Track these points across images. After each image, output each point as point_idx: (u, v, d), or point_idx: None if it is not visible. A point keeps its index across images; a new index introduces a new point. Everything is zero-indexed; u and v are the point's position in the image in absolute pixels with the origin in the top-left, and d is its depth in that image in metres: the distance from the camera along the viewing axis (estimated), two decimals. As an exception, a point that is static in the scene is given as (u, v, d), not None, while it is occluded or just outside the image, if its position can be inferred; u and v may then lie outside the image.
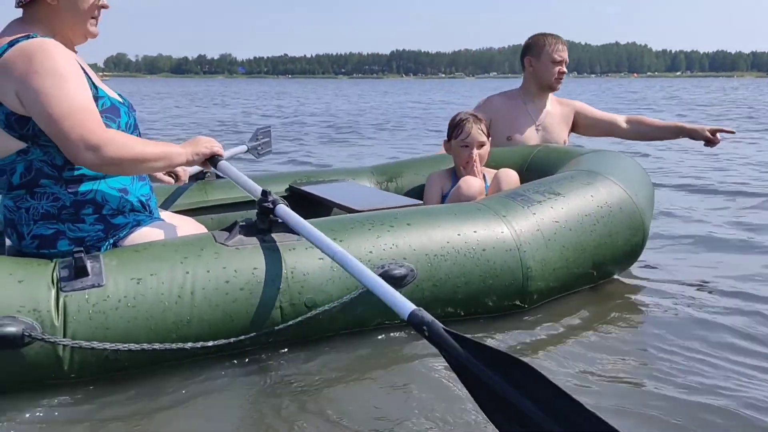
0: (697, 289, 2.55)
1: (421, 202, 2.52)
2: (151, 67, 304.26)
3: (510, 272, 2.11)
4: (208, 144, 2.15)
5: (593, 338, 2.08)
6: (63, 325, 1.64)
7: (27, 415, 1.59)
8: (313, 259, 1.91)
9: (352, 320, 1.94)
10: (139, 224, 2.10)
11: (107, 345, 1.64)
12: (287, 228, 1.95)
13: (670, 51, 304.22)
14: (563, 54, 3.50)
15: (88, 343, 1.63)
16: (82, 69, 1.98)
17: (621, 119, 3.61)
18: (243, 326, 1.79)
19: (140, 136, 2.17)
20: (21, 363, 1.60)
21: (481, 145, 2.90)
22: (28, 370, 1.62)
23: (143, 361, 1.73)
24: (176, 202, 2.83)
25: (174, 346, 1.70)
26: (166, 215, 2.48)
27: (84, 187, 2.00)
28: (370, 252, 1.96)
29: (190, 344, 1.71)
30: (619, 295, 2.47)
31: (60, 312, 1.65)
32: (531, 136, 3.49)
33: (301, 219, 1.91)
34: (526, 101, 3.55)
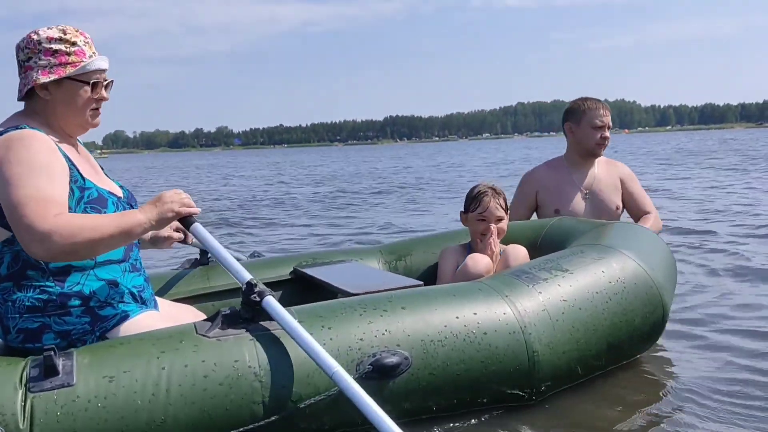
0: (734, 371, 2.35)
1: (422, 283, 2.40)
2: (149, 142, 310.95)
3: (514, 357, 1.96)
4: (174, 205, 1.93)
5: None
6: (29, 428, 1.55)
7: None
8: (298, 350, 1.79)
9: (342, 417, 1.81)
10: (127, 315, 2.03)
11: (73, 451, 1.53)
12: (273, 318, 1.85)
13: (659, 106, 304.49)
14: (605, 118, 3.38)
15: (51, 451, 1.52)
16: (71, 162, 1.97)
17: (644, 217, 3.38)
18: (222, 425, 1.67)
19: None
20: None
21: (499, 219, 2.79)
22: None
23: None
24: (177, 288, 2.77)
25: (145, 451, 1.58)
26: (164, 303, 2.41)
27: (71, 279, 1.95)
28: (361, 339, 1.85)
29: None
30: (641, 382, 2.28)
31: (27, 415, 1.56)
32: (579, 206, 3.35)
33: (287, 315, 1.80)
34: (572, 170, 3.43)
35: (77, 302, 1.95)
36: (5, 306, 1.94)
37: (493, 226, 2.77)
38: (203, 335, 1.79)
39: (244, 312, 1.85)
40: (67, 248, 1.75)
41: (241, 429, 1.67)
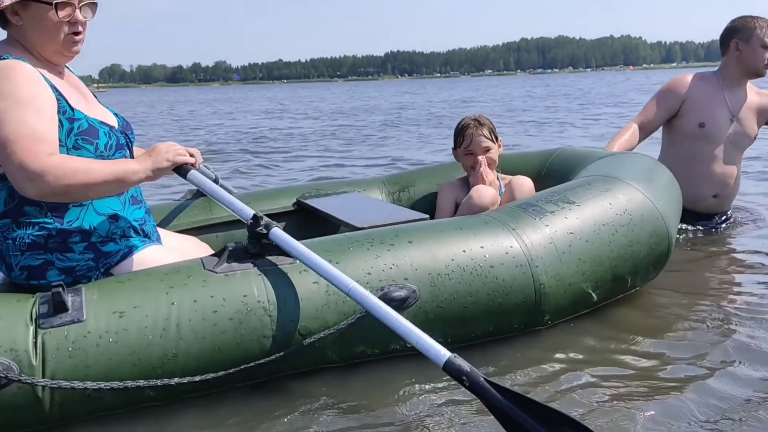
0: (730, 302, 2.38)
1: (428, 216, 2.39)
2: (146, 76, 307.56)
3: (521, 289, 1.97)
4: (169, 154, 1.93)
5: (618, 361, 1.93)
6: (42, 364, 1.56)
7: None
8: (307, 283, 1.80)
9: (352, 350, 1.83)
10: (131, 250, 2.02)
11: (89, 384, 1.55)
12: (280, 251, 1.84)
13: (665, 42, 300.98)
14: None
15: (68, 382, 1.54)
16: (58, 92, 1.90)
17: None
18: (232, 359, 1.69)
19: (127, 156, 2.08)
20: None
21: (486, 150, 2.79)
22: (6, 414, 1.54)
23: (128, 400, 1.64)
24: (179, 220, 2.75)
25: (159, 382, 1.60)
26: (167, 235, 2.40)
27: (70, 215, 1.92)
28: (368, 273, 1.85)
29: (176, 380, 1.62)
30: (645, 309, 2.30)
31: (38, 350, 1.57)
32: (724, 126, 3.32)
33: (297, 243, 1.80)
34: (725, 87, 3.38)
35: (77, 238, 1.93)
36: (6, 244, 1.91)
37: (482, 157, 2.76)
38: (211, 270, 1.78)
39: (251, 247, 1.85)
40: (59, 189, 1.71)
41: (251, 363, 1.69)
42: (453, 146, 2.93)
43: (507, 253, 1.98)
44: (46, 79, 1.89)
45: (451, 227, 2.04)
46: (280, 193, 3.02)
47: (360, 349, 1.83)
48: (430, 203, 3.04)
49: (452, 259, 1.93)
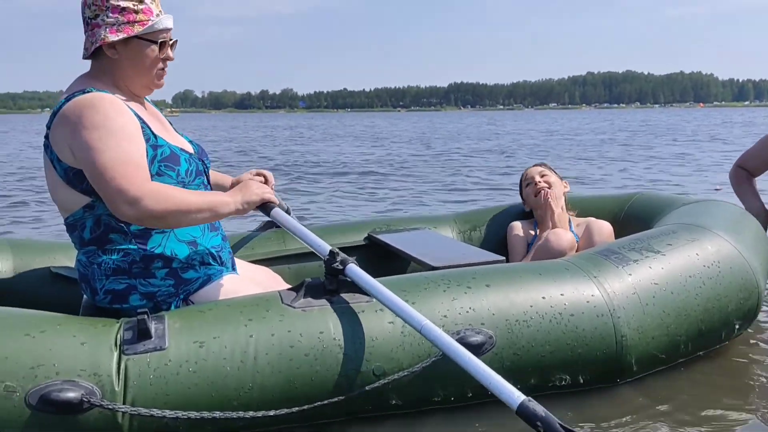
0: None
1: (504, 258, 2.35)
2: (216, 102, 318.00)
3: (602, 340, 1.90)
4: (258, 191, 2.03)
5: (699, 419, 1.83)
6: (123, 390, 1.59)
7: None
8: (382, 322, 1.79)
9: (425, 394, 1.80)
10: (210, 278, 2.05)
11: (167, 413, 1.57)
12: (356, 288, 1.84)
13: (738, 80, 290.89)
14: None
15: (147, 410, 1.56)
16: (142, 120, 1.97)
17: None
18: (306, 395, 1.69)
19: (206, 182, 2.13)
20: (80, 429, 1.55)
21: (542, 174, 2.89)
22: (83, 439, 1.57)
23: (204, 431, 1.65)
24: (253, 250, 2.79)
25: (234, 414, 1.61)
26: (242, 264, 2.43)
27: (153, 241, 1.97)
28: (445, 316, 1.82)
29: (251, 413, 1.62)
30: (732, 366, 2.19)
31: (121, 376, 1.60)
32: None
33: (373, 280, 1.80)
34: None
35: (159, 263, 1.97)
36: (91, 269, 1.97)
37: (539, 179, 2.85)
38: (289, 305, 1.79)
39: (327, 283, 1.85)
40: (157, 214, 1.77)
41: (325, 401, 1.68)
42: (520, 193, 3.00)
43: (588, 301, 1.93)
44: (131, 110, 1.96)
45: (530, 272, 2.00)
46: (352, 227, 3.03)
47: (433, 394, 1.80)
48: (502, 243, 2.99)
49: (531, 306, 1.89)
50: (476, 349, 1.78)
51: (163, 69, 2.07)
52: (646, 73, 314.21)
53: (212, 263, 2.09)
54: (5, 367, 1.53)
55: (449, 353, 1.62)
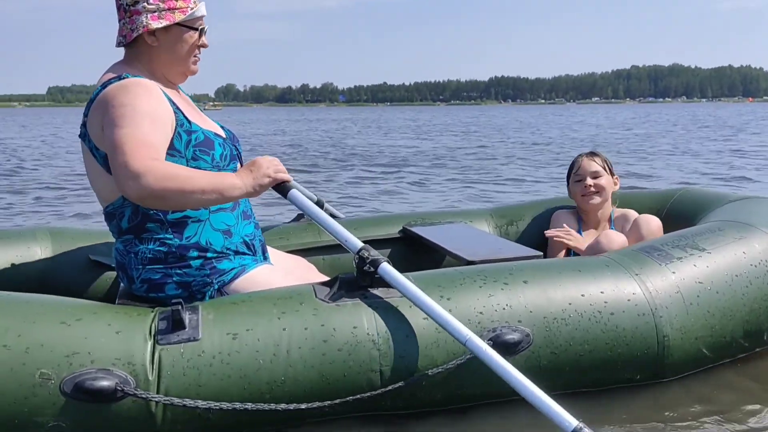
0: None
1: (541, 254, 2.29)
2: (258, 96, 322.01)
3: (643, 340, 1.84)
4: (269, 170, 1.86)
5: (745, 421, 1.76)
6: (157, 379, 1.59)
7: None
8: (417, 319, 1.75)
9: (460, 391, 1.76)
10: (244, 269, 2.05)
11: (200, 403, 1.57)
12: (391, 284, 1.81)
13: None
14: None
15: (180, 400, 1.56)
16: (176, 106, 1.97)
17: None
18: (339, 390, 1.67)
19: (240, 166, 2.12)
20: (114, 418, 1.56)
21: (595, 174, 2.73)
22: (120, 426, 1.57)
23: (235, 422, 1.64)
24: (289, 240, 2.78)
25: (266, 407, 1.60)
26: (276, 254, 2.43)
27: (189, 231, 1.97)
28: (481, 313, 1.78)
29: (283, 405, 1.61)
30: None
31: (155, 366, 1.60)
32: None
33: (407, 282, 1.75)
34: None
35: (195, 253, 1.97)
36: (129, 257, 1.99)
37: (590, 180, 2.71)
38: (322, 300, 1.77)
39: (360, 279, 1.82)
40: (158, 192, 1.70)
41: (357, 396, 1.66)
42: (567, 184, 2.86)
43: (629, 300, 1.87)
44: (166, 95, 1.97)
45: (569, 268, 1.95)
46: (386, 219, 3.01)
47: (469, 392, 1.77)
48: (538, 239, 2.93)
49: (570, 303, 1.83)
50: (513, 347, 1.75)
51: (197, 56, 2.09)
52: (693, 66, 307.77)
53: (246, 252, 2.09)
54: (41, 354, 1.54)
55: (497, 370, 1.60)
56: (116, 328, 1.64)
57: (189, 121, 1.98)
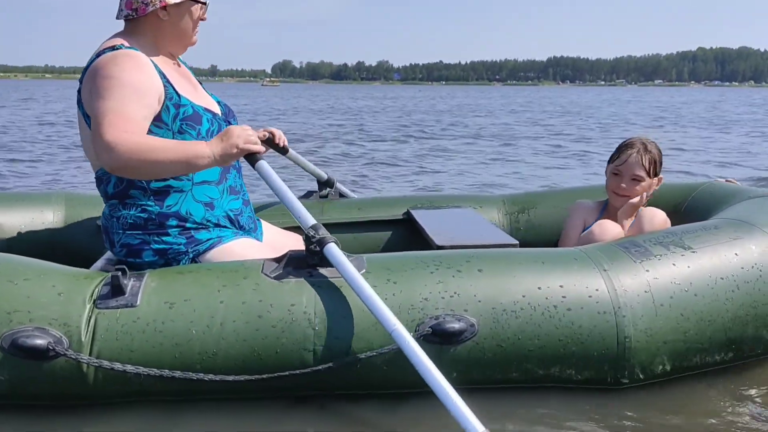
0: None
1: (517, 242, 2.19)
2: (313, 73, 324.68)
3: (602, 340, 1.73)
4: (239, 140, 1.86)
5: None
6: (90, 342, 1.63)
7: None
8: (358, 302, 1.71)
9: (396, 377, 1.72)
10: (220, 240, 2.07)
11: (128, 367, 1.60)
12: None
13: None
14: None
15: (110, 363, 1.60)
16: (167, 80, 2.00)
17: None
18: (270, 366, 1.66)
19: None
20: (47, 376, 1.62)
21: (635, 179, 2.42)
22: (53, 384, 1.63)
23: (166, 389, 1.66)
24: (290, 217, 2.79)
25: (194, 376, 1.61)
26: (273, 230, 2.44)
27: (170, 200, 2.01)
28: (426, 299, 1.72)
29: (210, 376, 1.62)
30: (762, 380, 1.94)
31: (89, 329, 1.64)
32: None
33: (346, 262, 1.71)
34: None
35: (174, 222, 2.01)
36: (112, 221, 2.05)
37: (625, 185, 2.41)
38: (266, 275, 1.76)
39: (310, 257, 1.80)
40: (127, 163, 1.76)
41: (287, 372, 1.65)
42: (608, 160, 2.57)
43: (590, 296, 1.76)
44: (158, 69, 2.00)
45: (532, 260, 1.85)
46: (394, 201, 2.96)
47: (403, 379, 1.71)
48: (551, 229, 2.81)
49: (523, 296, 1.74)
50: (454, 336, 1.68)
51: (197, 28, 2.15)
52: (762, 50, 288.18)
53: (228, 226, 2.10)
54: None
55: (416, 366, 1.55)
56: (59, 290, 1.69)
57: (179, 95, 2.01)
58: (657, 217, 2.32)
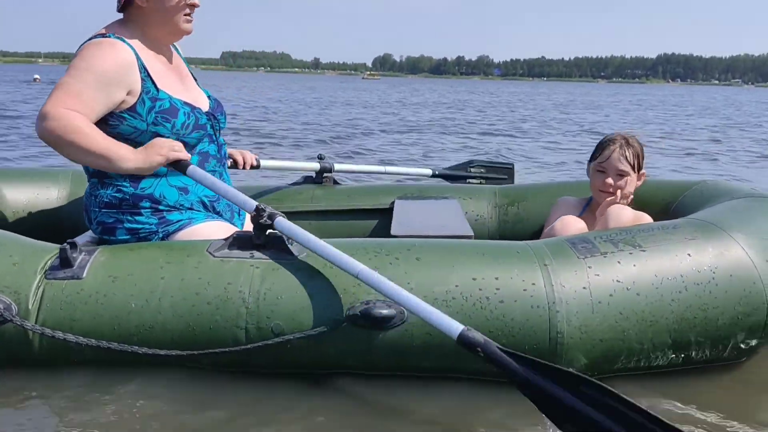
0: None
1: (472, 234, 2.19)
2: (413, 67, 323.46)
3: (533, 334, 1.72)
4: (163, 149, 1.97)
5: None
6: (37, 310, 1.73)
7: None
8: (293, 283, 1.76)
9: (322, 358, 1.76)
10: (191, 222, 2.14)
11: (69, 336, 1.69)
12: (284, 247, 1.83)
13: None
14: None
15: (51, 331, 1.69)
16: (146, 73, 2.07)
17: None
18: (204, 342, 1.72)
19: (210, 137, 2.21)
20: (-3, 340, 1.73)
21: (621, 175, 2.41)
22: (2, 348, 1.74)
23: (105, 358, 1.75)
24: (281, 203, 2.85)
25: (129, 348, 1.69)
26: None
27: (144, 183, 2.09)
28: (359, 284, 1.75)
29: (145, 349, 1.69)
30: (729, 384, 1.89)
31: (38, 298, 1.74)
32: None
33: (302, 231, 1.78)
34: None
35: (147, 204, 2.09)
36: (90, 199, 2.15)
37: (611, 181, 2.40)
38: (210, 253, 1.83)
39: (255, 237, 1.85)
40: (52, 135, 1.88)
41: (218, 350, 1.70)
42: (588, 159, 2.58)
43: (525, 290, 1.74)
44: (141, 63, 2.07)
45: (474, 251, 1.85)
46: (383, 189, 2.99)
47: (333, 360, 1.75)
48: (539, 222, 2.78)
49: (456, 285, 1.75)
50: (382, 321, 1.70)
51: (188, 15, 2.16)
52: None
53: (201, 210, 2.18)
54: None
55: (386, 293, 1.65)
56: (15, 260, 1.80)
57: (157, 89, 2.08)
58: (623, 216, 2.27)
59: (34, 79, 35.30)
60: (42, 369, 1.77)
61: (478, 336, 1.55)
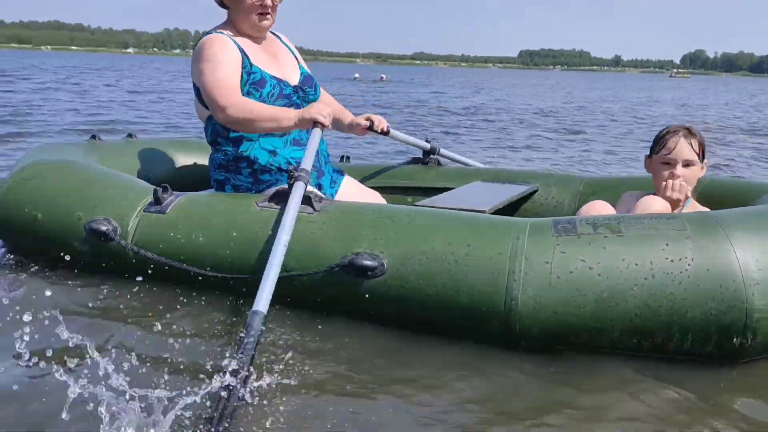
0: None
1: (486, 210, 2.38)
2: (729, 64, 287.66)
3: (489, 297, 1.92)
4: (314, 111, 2.45)
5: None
6: (133, 234, 2.35)
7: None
8: (305, 232, 2.16)
9: (323, 296, 2.14)
10: (277, 183, 2.66)
11: (151, 254, 2.29)
12: (309, 201, 2.24)
13: None
14: None
15: (137, 249, 2.30)
16: (244, 53, 2.62)
17: None
18: (237, 269, 2.21)
19: (298, 106, 2.68)
20: (105, 255, 2.38)
21: (688, 163, 2.41)
22: (108, 262, 2.39)
23: (179, 277, 2.28)
24: (385, 179, 3.29)
25: (188, 267, 2.23)
26: (354, 186, 2.98)
27: (243, 147, 2.66)
28: (354, 238, 2.10)
29: (201, 270, 2.22)
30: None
31: (134, 225, 2.37)
32: None
33: (295, 197, 2.18)
34: None
35: (245, 164, 2.66)
36: (210, 161, 2.78)
37: (680, 170, 2.39)
38: (256, 203, 2.31)
39: (289, 192, 2.27)
40: (236, 120, 2.46)
41: (246, 276, 2.17)
42: (647, 154, 2.60)
43: (491, 257, 1.95)
44: (238, 46, 2.64)
45: (460, 221, 2.09)
46: (476, 173, 3.25)
47: (322, 297, 2.13)
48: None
49: (432, 248, 2.01)
50: (365, 270, 2.03)
51: (263, 13, 2.68)
52: None
53: (288, 171, 2.69)
54: (79, 203, 2.44)
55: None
56: (130, 196, 2.45)
57: (251, 64, 2.64)
58: (653, 207, 2.28)
59: (355, 78, 38.52)
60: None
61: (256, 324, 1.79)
